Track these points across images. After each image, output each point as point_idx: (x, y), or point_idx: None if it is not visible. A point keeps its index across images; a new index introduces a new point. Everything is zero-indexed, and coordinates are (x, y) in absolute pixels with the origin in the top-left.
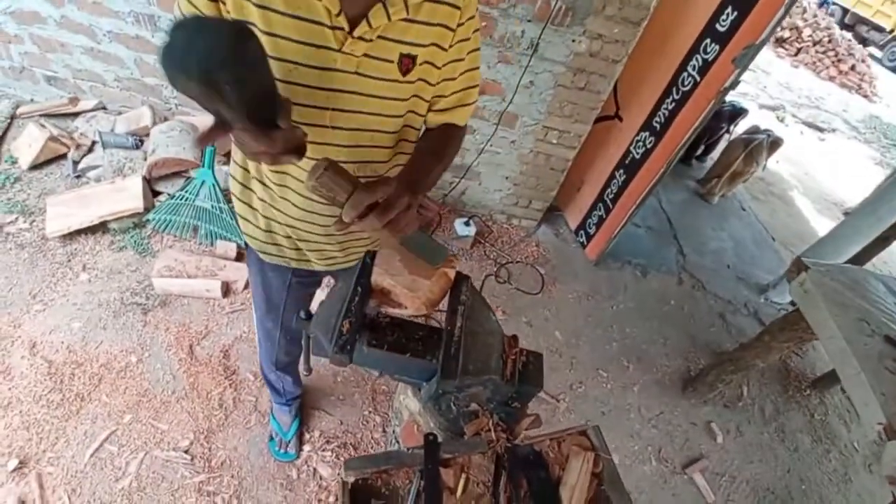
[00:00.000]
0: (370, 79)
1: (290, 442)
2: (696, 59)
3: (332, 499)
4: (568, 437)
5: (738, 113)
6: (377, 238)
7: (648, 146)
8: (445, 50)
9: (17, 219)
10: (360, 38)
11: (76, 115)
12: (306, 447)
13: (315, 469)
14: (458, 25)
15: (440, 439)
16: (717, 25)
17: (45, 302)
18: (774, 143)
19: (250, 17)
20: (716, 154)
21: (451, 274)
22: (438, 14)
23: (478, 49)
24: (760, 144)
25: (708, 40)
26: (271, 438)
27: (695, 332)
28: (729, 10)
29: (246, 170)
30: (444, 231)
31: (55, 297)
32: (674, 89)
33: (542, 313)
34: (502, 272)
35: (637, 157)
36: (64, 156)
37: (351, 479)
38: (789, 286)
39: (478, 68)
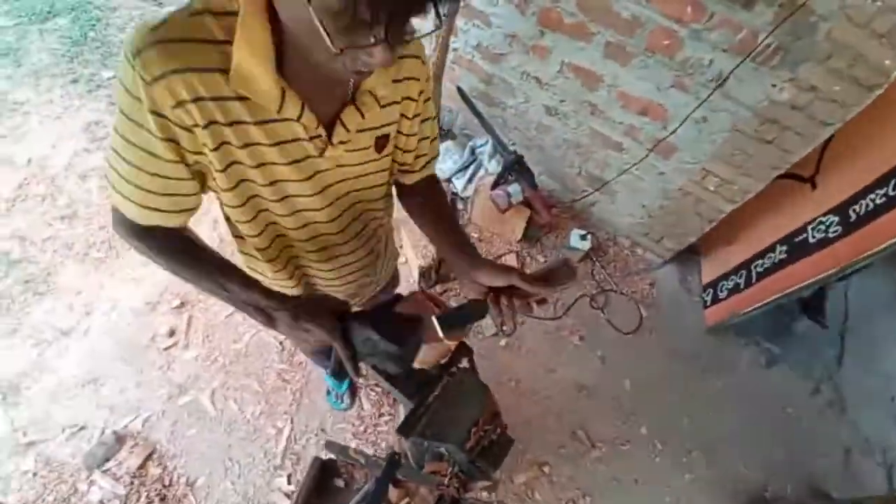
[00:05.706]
0: (351, 167)
1: (343, 394)
2: None
3: (350, 427)
4: None
5: None
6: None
7: (831, 235)
8: (410, 119)
9: None
10: (340, 142)
11: None
12: (360, 381)
13: (361, 400)
14: (420, 93)
15: (402, 461)
16: None
17: None
18: None
19: (237, 157)
20: None
21: (451, 346)
22: (400, 90)
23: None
24: None
25: None
26: (328, 392)
27: (800, 454)
28: None
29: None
30: (558, 237)
31: None
32: (892, 182)
33: (623, 354)
34: (599, 298)
35: (811, 241)
36: None
37: (324, 457)
38: None
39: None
